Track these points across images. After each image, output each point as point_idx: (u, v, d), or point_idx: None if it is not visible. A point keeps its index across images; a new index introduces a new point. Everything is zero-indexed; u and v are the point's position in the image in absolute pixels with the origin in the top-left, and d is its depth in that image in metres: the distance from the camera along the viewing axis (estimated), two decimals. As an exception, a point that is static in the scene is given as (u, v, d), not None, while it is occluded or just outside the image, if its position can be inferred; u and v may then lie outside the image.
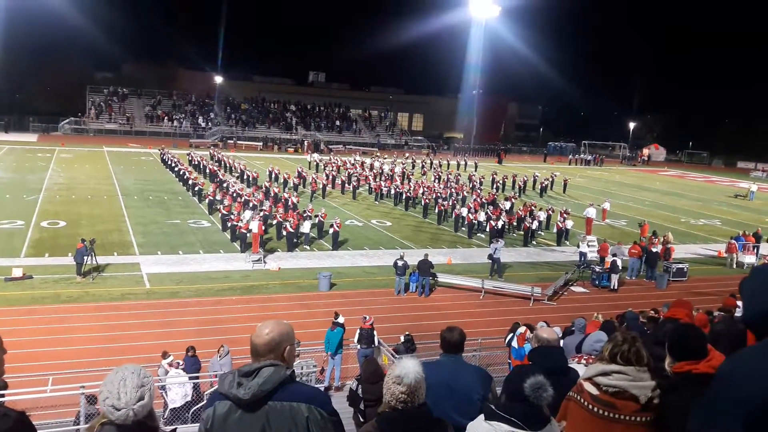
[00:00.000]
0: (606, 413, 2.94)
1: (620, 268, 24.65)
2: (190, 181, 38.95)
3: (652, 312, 13.51)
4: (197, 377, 12.66)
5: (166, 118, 77.24)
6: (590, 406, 3.00)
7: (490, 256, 25.02)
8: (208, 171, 44.35)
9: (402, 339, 15.49)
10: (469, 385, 4.20)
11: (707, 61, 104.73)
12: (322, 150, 69.47)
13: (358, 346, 15.08)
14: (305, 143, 73.58)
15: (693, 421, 2.22)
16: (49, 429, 9.93)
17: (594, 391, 3.01)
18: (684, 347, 3.22)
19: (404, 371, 3.00)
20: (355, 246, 28.23)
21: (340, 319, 15.15)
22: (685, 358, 3.18)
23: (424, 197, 36.97)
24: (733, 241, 29.65)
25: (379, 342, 15.07)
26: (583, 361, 5.37)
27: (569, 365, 4.83)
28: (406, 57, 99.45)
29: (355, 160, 55.14)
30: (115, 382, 2.49)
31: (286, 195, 34.32)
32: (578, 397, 3.11)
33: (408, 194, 38.54)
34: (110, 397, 2.47)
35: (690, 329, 3.44)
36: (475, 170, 55.50)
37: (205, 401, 11.38)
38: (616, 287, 24.31)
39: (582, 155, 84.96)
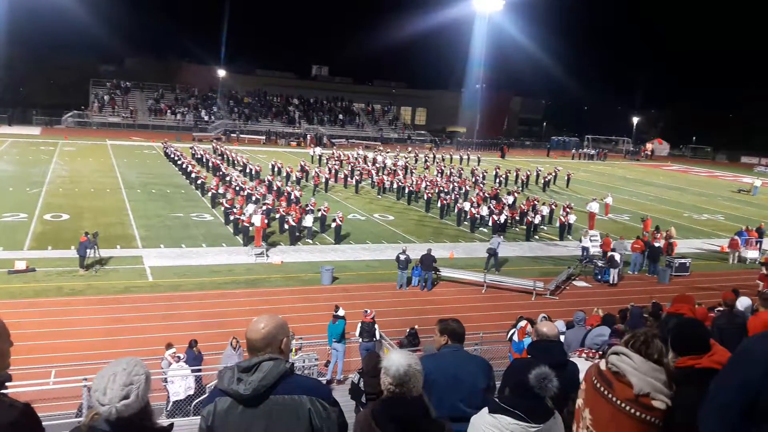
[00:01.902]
0: (603, 389, 2.94)
1: (619, 263, 24.61)
2: (193, 175, 38.96)
3: (651, 305, 13.52)
4: (200, 370, 12.70)
5: (168, 111, 77.22)
6: (593, 379, 3.01)
7: (491, 250, 24.97)
8: (211, 164, 44.35)
9: (407, 332, 15.54)
10: (473, 375, 4.23)
11: (711, 56, 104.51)
12: (325, 144, 69.43)
13: (360, 340, 15.10)
14: (308, 137, 73.54)
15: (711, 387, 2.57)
16: (52, 421, 9.96)
17: (603, 366, 3.02)
18: (687, 342, 3.21)
19: (388, 363, 3.05)
20: (358, 240, 28.23)
21: (341, 312, 15.17)
22: (688, 352, 3.18)
23: (427, 191, 36.93)
24: (735, 237, 29.58)
25: (380, 336, 15.09)
26: (584, 355, 5.37)
27: (570, 359, 4.83)
28: (410, 51, 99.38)
29: (357, 154, 55.05)
30: (105, 377, 2.47)
31: (288, 189, 34.32)
32: (591, 371, 3.12)
33: (410, 188, 38.50)
34: (98, 390, 2.45)
35: (693, 324, 3.43)
36: (478, 164, 55.41)
37: (206, 394, 11.43)
38: (615, 282, 24.30)
39: (585, 150, 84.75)
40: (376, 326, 15.14)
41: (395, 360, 3.06)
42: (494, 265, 24.86)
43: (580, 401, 3.11)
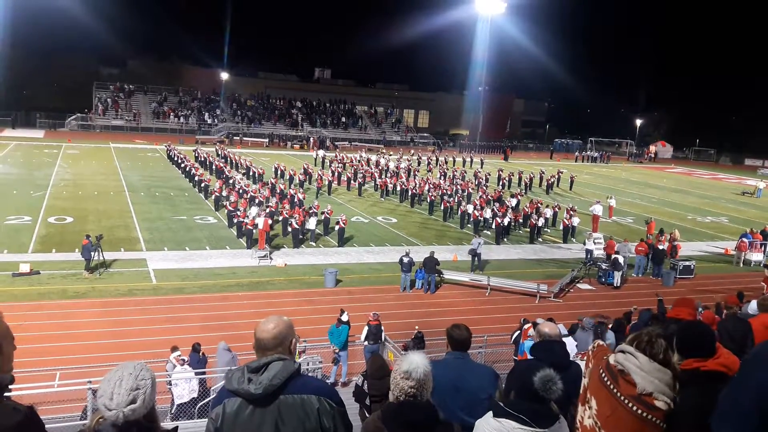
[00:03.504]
0: (608, 382, 2.96)
1: (623, 265, 24.56)
2: (197, 178, 39.03)
3: (657, 303, 13.49)
4: (204, 373, 12.70)
5: (172, 114, 77.38)
6: (602, 372, 3.02)
7: (473, 251, 24.95)
8: (214, 167, 44.43)
9: (414, 336, 15.53)
10: (476, 385, 4.17)
11: (714, 58, 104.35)
12: (328, 147, 69.48)
13: (366, 343, 15.07)
14: (311, 140, 73.61)
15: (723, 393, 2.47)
16: (56, 424, 9.97)
17: (611, 360, 3.03)
18: (693, 345, 3.19)
19: (413, 366, 3.01)
20: (361, 242, 28.23)
21: (345, 317, 15.13)
22: (693, 355, 3.16)
23: (430, 194, 36.92)
24: (744, 240, 29.45)
25: (384, 338, 15.07)
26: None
27: (575, 361, 4.81)
28: (412, 53, 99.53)
29: (360, 156, 55.11)
30: (111, 381, 2.47)
31: (292, 191, 34.34)
32: (600, 363, 3.12)
33: (414, 191, 38.51)
34: (104, 395, 2.46)
35: (700, 327, 3.42)
36: (481, 167, 55.35)
37: (211, 397, 11.42)
38: (618, 284, 24.25)
39: (588, 152, 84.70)
40: (382, 328, 15.13)
41: (421, 363, 3.03)
42: (477, 266, 24.87)
43: (585, 381, 3.13)
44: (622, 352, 3.00)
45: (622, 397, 2.87)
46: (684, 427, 2.81)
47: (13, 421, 2.41)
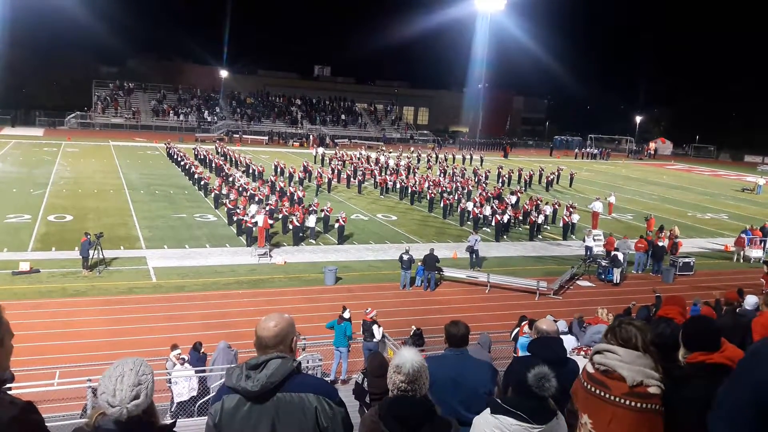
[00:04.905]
0: (598, 391, 2.95)
1: (623, 262, 24.56)
2: (196, 176, 39.00)
3: (655, 299, 13.47)
4: (203, 371, 12.70)
5: (171, 112, 77.35)
6: (586, 384, 3.02)
7: (470, 248, 24.95)
8: (213, 165, 44.42)
9: (411, 332, 15.54)
10: (475, 379, 4.20)
11: (714, 54, 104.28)
12: (328, 144, 69.45)
13: (364, 340, 15.08)
14: (310, 137, 73.58)
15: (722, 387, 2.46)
16: (56, 422, 9.97)
17: (590, 369, 3.03)
18: (700, 338, 3.22)
19: (402, 360, 3.04)
20: (361, 240, 28.24)
21: (347, 314, 15.13)
22: (699, 348, 3.19)
23: (430, 191, 36.91)
24: (742, 236, 29.45)
25: (384, 336, 15.06)
26: (582, 353, 5.38)
27: (570, 357, 4.82)
28: (412, 51, 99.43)
29: (360, 154, 55.06)
30: (112, 378, 2.48)
31: (291, 189, 34.35)
32: (580, 377, 3.14)
33: (413, 188, 38.50)
34: (106, 392, 2.46)
35: (706, 321, 3.46)
36: (481, 164, 55.37)
37: (211, 394, 11.44)
38: (618, 281, 24.26)
39: (588, 149, 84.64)
40: (374, 326, 15.09)
41: (409, 357, 3.06)
42: (476, 263, 24.87)
43: (574, 408, 3.12)
44: (599, 352, 3.00)
45: (617, 398, 2.86)
46: (689, 419, 2.82)
47: (8, 415, 2.40)
